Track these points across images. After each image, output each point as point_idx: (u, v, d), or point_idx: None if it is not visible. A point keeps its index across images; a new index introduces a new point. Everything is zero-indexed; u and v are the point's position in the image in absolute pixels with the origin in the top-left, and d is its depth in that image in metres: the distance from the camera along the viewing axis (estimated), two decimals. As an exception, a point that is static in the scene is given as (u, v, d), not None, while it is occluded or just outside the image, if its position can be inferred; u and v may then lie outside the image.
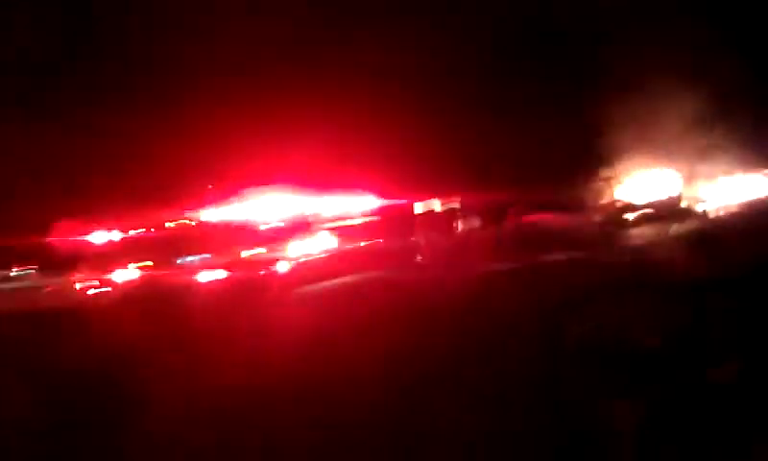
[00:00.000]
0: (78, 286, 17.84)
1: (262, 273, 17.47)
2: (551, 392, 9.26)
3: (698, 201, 16.89)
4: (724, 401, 8.75)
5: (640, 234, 16.20)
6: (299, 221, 18.59)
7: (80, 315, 15.21)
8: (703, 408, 8.63)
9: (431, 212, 19.32)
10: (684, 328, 9.76)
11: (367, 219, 18.78)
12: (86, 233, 18.41)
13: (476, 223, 18.98)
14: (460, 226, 19.16)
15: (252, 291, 16.75)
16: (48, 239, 17.85)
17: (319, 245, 18.41)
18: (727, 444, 8.35)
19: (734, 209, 16.67)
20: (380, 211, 18.81)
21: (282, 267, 17.73)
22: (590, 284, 11.66)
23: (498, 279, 14.48)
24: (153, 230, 18.50)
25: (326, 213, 18.77)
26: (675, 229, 15.81)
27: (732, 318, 9.82)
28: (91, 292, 17.75)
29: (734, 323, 9.76)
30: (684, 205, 16.91)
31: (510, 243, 17.15)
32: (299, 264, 17.81)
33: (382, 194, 18.65)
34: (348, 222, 18.75)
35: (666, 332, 9.76)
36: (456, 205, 19.32)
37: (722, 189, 16.98)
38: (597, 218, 16.86)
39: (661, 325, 9.92)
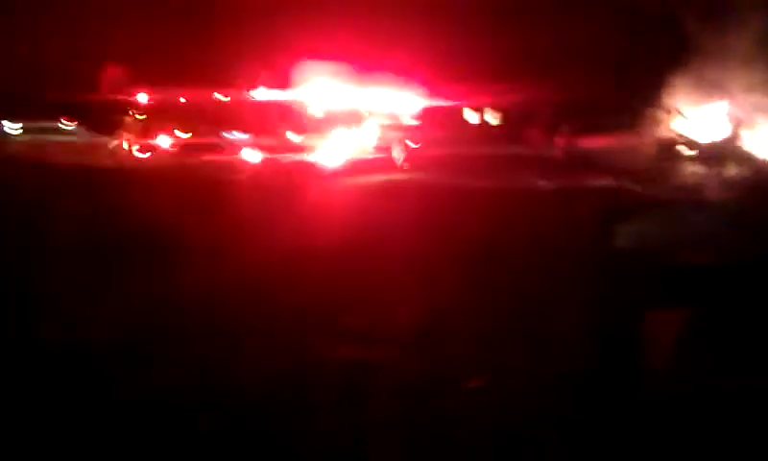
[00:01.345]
0: (125, 146, 17.90)
1: (308, 159, 17.40)
2: (595, 303, 9.26)
3: (762, 146, 16.45)
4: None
5: (695, 171, 15.92)
6: (349, 112, 18.39)
7: (126, 174, 15.35)
8: (745, 326, 8.60)
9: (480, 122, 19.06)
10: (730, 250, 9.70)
11: (415, 121, 18.55)
12: (134, 94, 18.39)
13: (524, 138, 18.70)
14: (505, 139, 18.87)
15: (295, 176, 16.76)
16: (97, 96, 17.89)
17: (367, 140, 18.24)
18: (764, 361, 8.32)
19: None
20: (427, 114, 18.55)
21: (329, 156, 17.62)
22: (637, 203, 11.57)
23: (544, 196, 14.40)
24: (201, 100, 18.38)
25: (377, 109, 18.54)
26: (731, 171, 15.53)
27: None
28: (137, 153, 17.83)
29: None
30: (746, 148, 16.48)
31: (557, 162, 16.97)
32: (342, 157, 17.70)
33: (434, 94, 18.37)
34: (398, 121, 18.53)
35: (713, 250, 9.72)
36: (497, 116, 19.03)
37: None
38: (652, 149, 16.54)
39: (708, 243, 9.87)
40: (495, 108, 19.42)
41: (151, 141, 18.04)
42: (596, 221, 11.03)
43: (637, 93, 16.82)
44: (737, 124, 16.63)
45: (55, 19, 17.55)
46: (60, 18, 17.49)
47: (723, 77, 16.55)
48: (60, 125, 18.16)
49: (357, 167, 17.05)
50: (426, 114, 18.51)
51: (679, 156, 16.61)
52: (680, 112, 17.00)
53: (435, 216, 13.11)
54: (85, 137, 18.09)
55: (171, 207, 13.41)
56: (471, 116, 19.44)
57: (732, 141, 16.53)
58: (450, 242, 11.68)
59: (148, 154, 17.74)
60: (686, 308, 8.87)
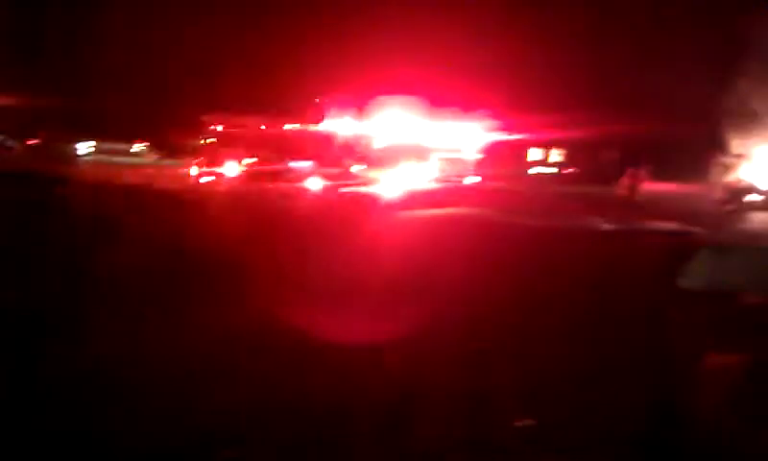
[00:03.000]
0: (193, 172, 18.28)
1: (369, 191, 17.54)
2: (657, 341, 9.11)
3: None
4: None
5: (760, 217, 15.62)
6: (413, 146, 18.51)
7: (191, 198, 15.67)
8: None
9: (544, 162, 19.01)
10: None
11: (479, 156, 18.58)
12: (206, 121, 18.81)
13: (591, 178, 18.55)
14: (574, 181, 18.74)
15: (357, 205, 16.89)
16: (169, 124, 18.37)
17: (429, 174, 18.33)
18: None
19: None
20: (491, 149, 18.55)
21: (391, 189, 17.73)
22: (702, 246, 11.38)
23: (606, 238, 14.23)
24: (267, 129, 18.74)
25: (441, 143, 18.62)
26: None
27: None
28: (203, 179, 18.21)
29: None
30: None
31: (624, 204, 16.80)
32: (406, 190, 17.78)
33: (499, 129, 18.35)
34: (461, 155, 18.58)
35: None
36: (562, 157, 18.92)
37: None
38: (718, 195, 16.28)
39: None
40: (562, 146, 19.37)
41: (219, 168, 18.42)
42: (661, 264, 10.87)
43: (709, 138, 16.61)
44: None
45: (135, 45, 18.06)
46: (142, 45, 17.99)
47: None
48: (131, 147, 18.74)
49: (418, 200, 17.10)
50: (491, 149, 18.54)
51: (745, 200, 16.33)
52: (748, 159, 16.75)
53: (492, 253, 13.04)
54: (155, 160, 18.59)
55: (233, 232, 13.63)
56: (536, 153, 19.42)
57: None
58: (506, 281, 11.59)
59: (214, 178, 18.12)
60: (746, 354, 8.67)
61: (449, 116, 18.28)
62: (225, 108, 18.72)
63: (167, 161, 18.65)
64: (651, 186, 17.47)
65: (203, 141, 18.90)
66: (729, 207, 15.90)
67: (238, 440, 7.54)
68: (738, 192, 16.31)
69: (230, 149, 18.55)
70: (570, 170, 19.22)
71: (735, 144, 16.73)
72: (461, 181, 18.29)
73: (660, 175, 17.33)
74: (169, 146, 18.72)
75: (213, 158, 18.48)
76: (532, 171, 18.74)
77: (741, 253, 10.82)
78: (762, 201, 16.19)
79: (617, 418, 8.54)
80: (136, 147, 18.99)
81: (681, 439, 8.28)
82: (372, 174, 17.94)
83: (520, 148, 19.03)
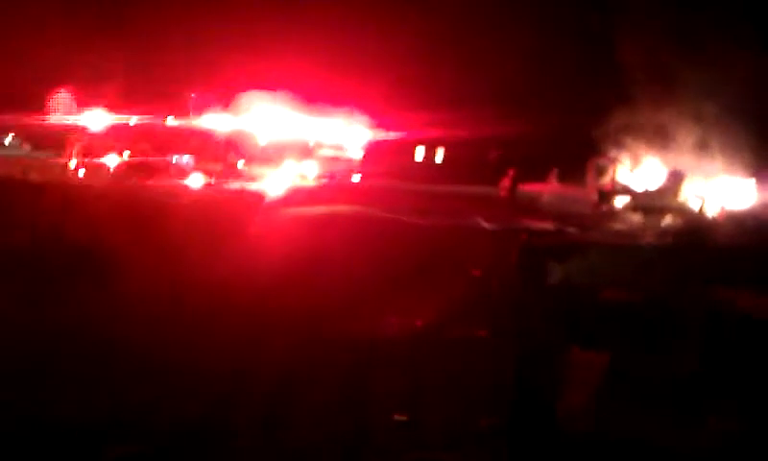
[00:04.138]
0: (71, 165, 17.77)
1: (252, 187, 17.39)
2: (522, 336, 9.40)
3: (696, 199, 16.86)
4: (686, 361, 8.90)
5: (630, 220, 16.24)
6: (296, 143, 18.45)
7: (68, 191, 15.25)
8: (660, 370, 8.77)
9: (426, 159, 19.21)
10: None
11: (363, 154, 18.65)
12: (80, 116, 18.29)
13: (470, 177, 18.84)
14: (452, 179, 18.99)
15: (240, 202, 16.72)
16: (43, 116, 17.78)
17: (312, 171, 18.31)
18: (684, 406, 8.47)
19: (730, 215, 16.68)
20: (375, 147, 18.64)
21: (274, 185, 17.63)
22: (571, 245, 11.81)
23: (483, 236, 14.55)
24: (148, 123, 18.34)
25: (325, 141, 18.62)
26: (665, 222, 15.87)
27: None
28: (81, 173, 17.72)
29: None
30: (680, 200, 16.88)
31: (502, 205, 17.17)
32: (289, 187, 17.72)
33: (381, 127, 18.45)
34: (345, 153, 18.62)
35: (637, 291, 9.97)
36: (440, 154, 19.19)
37: (722, 191, 16.95)
38: (593, 196, 16.85)
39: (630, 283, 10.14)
40: (442, 145, 19.60)
41: (97, 160, 17.93)
42: (530, 260, 11.22)
43: (583, 141, 17.12)
44: (673, 177, 17.03)
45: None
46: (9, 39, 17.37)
47: (664, 132, 16.95)
48: (4, 139, 18.04)
49: (301, 197, 17.07)
50: (374, 148, 18.63)
51: (619, 202, 16.94)
52: (621, 162, 17.35)
53: (370, 249, 13.16)
54: (31, 154, 17.97)
55: (107, 226, 13.32)
56: (418, 153, 19.61)
57: (665, 192, 16.90)
58: (381, 274, 11.75)
59: (87, 171, 17.63)
60: (606, 349, 9.05)
61: (333, 114, 18.28)
62: (104, 100, 18.22)
63: (42, 154, 18.03)
64: (530, 187, 17.90)
65: (82, 134, 18.36)
66: (602, 208, 16.47)
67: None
68: (612, 194, 16.90)
69: (110, 142, 18.07)
70: (452, 169, 19.49)
71: (610, 147, 17.31)
72: (344, 179, 18.34)
73: (538, 176, 17.78)
74: (43, 138, 18.09)
75: (92, 151, 17.98)
76: (415, 170, 18.92)
77: (606, 251, 11.27)
78: (635, 203, 16.82)
79: (484, 412, 8.77)
80: (8, 139, 18.30)
81: (546, 431, 8.58)
82: (255, 171, 17.79)
83: (404, 146, 19.17)
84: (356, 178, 18.40)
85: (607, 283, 10.61)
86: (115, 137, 18.29)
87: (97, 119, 18.34)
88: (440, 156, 19.64)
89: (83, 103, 18.18)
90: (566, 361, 8.76)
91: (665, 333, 9.78)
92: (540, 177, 17.83)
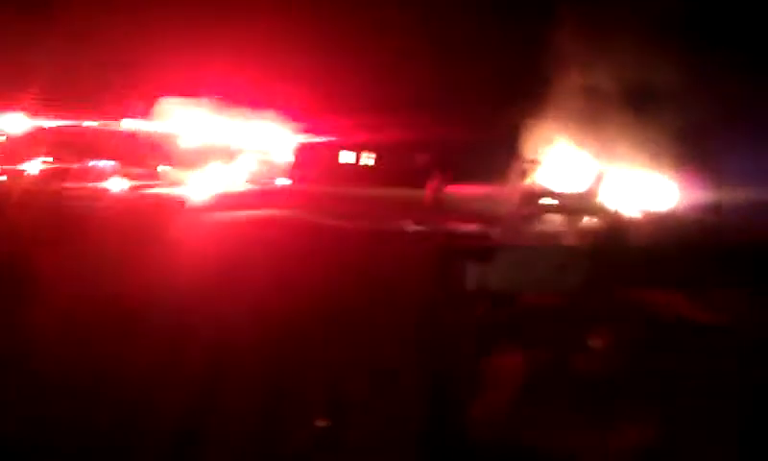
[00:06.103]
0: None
1: (174, 193, 17.14)
2: (438, 342, 9.42)
3: (618, 200, 17.13)
4: (599, 365, 8.98)
5: (549, 220, 16.42)
6: (221, 147, 18.27)
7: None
8: (581, 370, 8.84)
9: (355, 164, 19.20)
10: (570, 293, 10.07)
11: (289, 157, 18.55)
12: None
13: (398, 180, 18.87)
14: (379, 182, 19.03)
15: (162, 206, 16.46)
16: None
17: (238, 175, 18.14)
18: (601, 405, 8.55)
19: (651, 215, 16.98)
20: (302, 151, 18.57)
21: (198, 190, 17.41)
22: (490, 247, 11.90)
23: (404, 238, 14.57)
24: (68, 127, 17.98)
25: (250, 144, 18.46)
26: (586, 223, 16.09)
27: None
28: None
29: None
30: (602, 201, 17.12)
31: (429, 210, 17.23)
32: (213, 192, 17.52)
33: (310, 131, 18.38)
34: (271, 157, 18.49)
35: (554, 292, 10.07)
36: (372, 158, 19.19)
37: (645, 192, 17.25)
38: (514, 198, 17.00)
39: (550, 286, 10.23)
40: (372, 149, 19.62)
41: (14, 166, 17.51)
42: (449, 264, 11.26)
43: (505, 144, 17.28)
44: (595, 178, 17.28)
45: None
46: None
47: (587, 133, 17.20)
48: None
49: (226, 202, 16.88)
50: (301, 151, 18.54)
51: (540, 204, 17.10)
52: (543, 163, 17.55)
53: (298, 254, 13.07)
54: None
55: (24, 234, 13.01)
56: (348, 156, 19.58)
57: (587, 193, 17.14)
58: (308, 280, 11.67)
59: (6, 178, 17.20)
60: (524, 353, 9.10)
61: (259, 117, 18.14)
62: (22, 104, 17.82)
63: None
64: (457, 189, 18.00)
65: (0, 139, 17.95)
66: (524, 210, 16.61)
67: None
68: (533, 196, 17.07)
69: (27, 147, 17.66)
70: (381, 173, 19.51)
71: (531, 149, 17.51)
72: (271, 183, 18.20)
73: (464, 178, 17.88)
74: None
75: (8, 156, 17.56)
76: (344, 173, 18.89)
77: (522, 253, 11.37)
78: (556, 204, 17.00)
79: (400, 419, 8.77)
80: None
81: (463, 439, 8.59)
82: (179, 175, 17.55)
83: (332, 150, 19.13)
84: (283, 181, 18.28)
85: (526, 285, 10.69)
86: (36, 142, 17.89)
87: (17, 123, 17.94)
88: (369, 159, 19.65)
89: (1, 107, 17.79)
90: (482, 367, 8.78)
91: (583, 336, 9.87)
92: (469, 179, 17.94)
